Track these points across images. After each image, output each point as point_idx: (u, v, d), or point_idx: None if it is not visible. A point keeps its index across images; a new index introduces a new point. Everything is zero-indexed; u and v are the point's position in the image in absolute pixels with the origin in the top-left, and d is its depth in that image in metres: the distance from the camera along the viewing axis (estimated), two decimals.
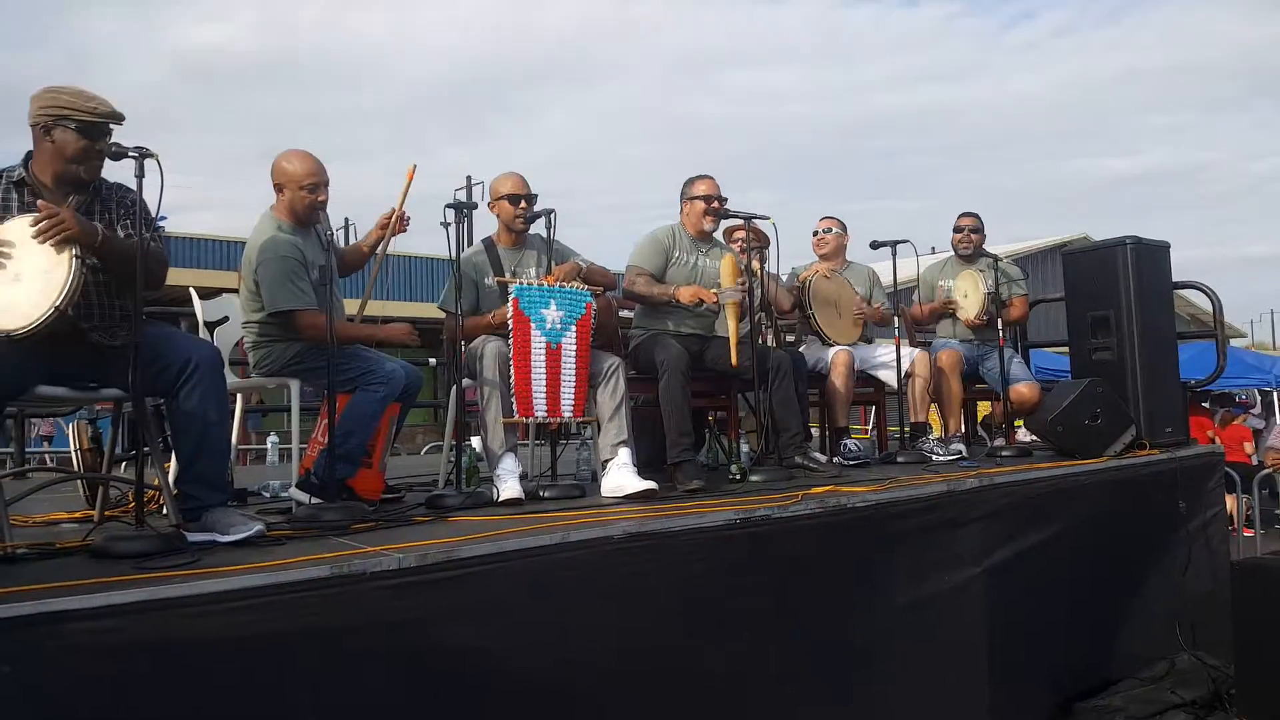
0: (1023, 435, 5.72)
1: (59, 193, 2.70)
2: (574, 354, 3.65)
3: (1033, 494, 4.07)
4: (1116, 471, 4.62)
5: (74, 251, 2.53)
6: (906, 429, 4.95)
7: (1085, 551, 4.26)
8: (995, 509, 3.86)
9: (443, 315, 3.95)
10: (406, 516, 3.12)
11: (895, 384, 4.85)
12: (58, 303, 2.49)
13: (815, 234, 5.27)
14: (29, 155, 2.73)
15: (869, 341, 5.11)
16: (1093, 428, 4.79)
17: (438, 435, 13.63)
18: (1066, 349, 5.85)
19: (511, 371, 3.55)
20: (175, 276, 3.10)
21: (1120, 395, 5.02)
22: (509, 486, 3.43)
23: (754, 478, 3.95)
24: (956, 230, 5.52)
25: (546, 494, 3.56)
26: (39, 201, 2.60)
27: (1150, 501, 4.73)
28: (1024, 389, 5.15)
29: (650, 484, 3.48)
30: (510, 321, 3.57)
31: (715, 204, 4.35)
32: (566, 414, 3.65)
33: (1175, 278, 5.59)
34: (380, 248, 3.87)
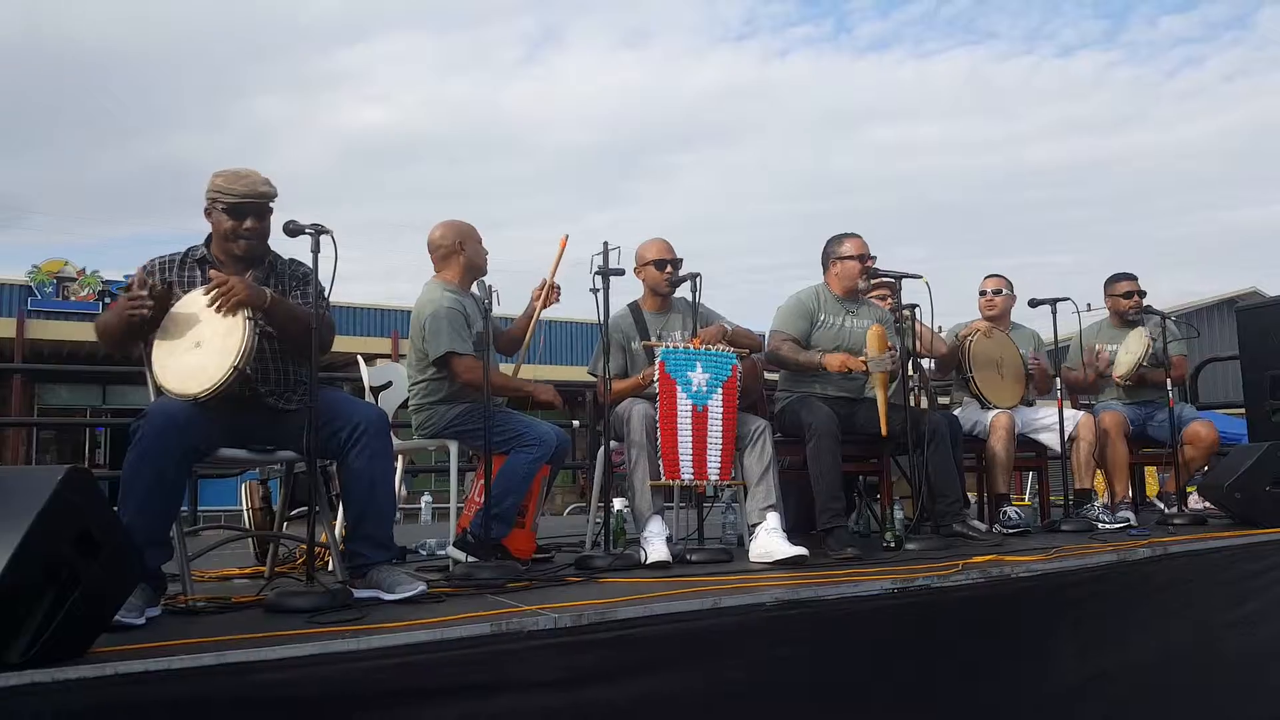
0: (1194, 503, 5.33)
1: (236, 268, 2.86)
2: (720, 416, 3.65)
3: (1211, 565, 3.77)
4: None
5: (246, 314, 2.67)
6: (1070, 496, 4.69)
7: (1275, 630, 3.90)
8: (1171, 581, 3.59)
9: (589, 378, 4.01)
10: (558, 576, 3.16)
11: (1058, 448, 4.63)
12: (236, 363, 2.62)
13: (983, 294, 5.03)
14: (210, 235, 2.94)
15: (1029, 404, 4.90)
16: (1276, 494, 4.44)
17: (576, 497, 13.79)
18: (1240, 411, 5.45)
19: (658, 434, 3.57)
20: (337, 343, 3.26)
21: None
22: (657, 549, 3.42)
23: (909, 546, 3.80)
24: (1113, 295, 5.27)
25: (694, 557, 3.54)
26: (211, 271, 2.79)
27: None
28: (1199, 427, 4.87)
29: (801, 550, 3.41)
30: (656, 384, 3.60)
31: (868, 262, 4.30)
32: (713, 476, 3.63)
33: None
34: (533, 319, 3.96)
